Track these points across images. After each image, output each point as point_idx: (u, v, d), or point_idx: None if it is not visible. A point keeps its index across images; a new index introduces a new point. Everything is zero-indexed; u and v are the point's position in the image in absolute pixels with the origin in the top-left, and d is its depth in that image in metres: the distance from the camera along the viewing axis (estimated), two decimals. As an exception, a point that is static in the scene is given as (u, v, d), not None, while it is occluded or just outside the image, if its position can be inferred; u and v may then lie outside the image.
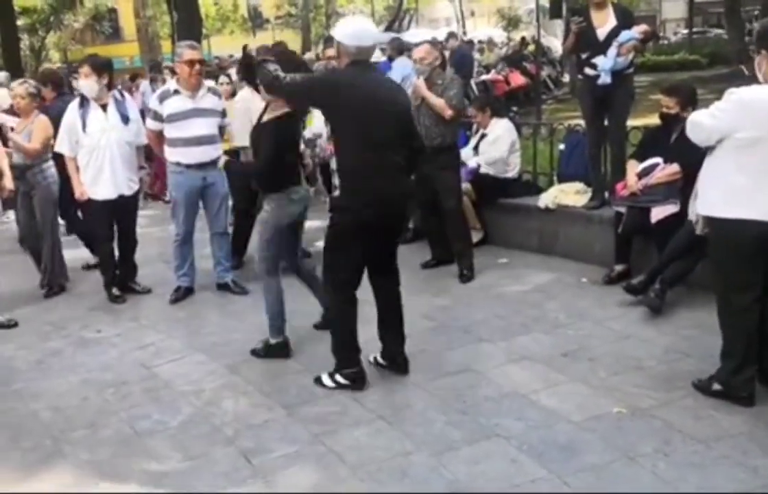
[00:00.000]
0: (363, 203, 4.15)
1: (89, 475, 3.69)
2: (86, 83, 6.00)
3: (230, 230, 6.59)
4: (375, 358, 4.58)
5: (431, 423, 3.94)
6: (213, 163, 6.02)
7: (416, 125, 4.76)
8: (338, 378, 4.35)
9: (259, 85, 4.81)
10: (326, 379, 4.38)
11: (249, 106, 6.28)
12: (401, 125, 4.28)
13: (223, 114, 6.31)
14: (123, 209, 6.25)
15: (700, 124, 3.88)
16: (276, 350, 4.89)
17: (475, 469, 3.49)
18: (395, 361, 4.52)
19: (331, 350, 4.39)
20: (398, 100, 4.39)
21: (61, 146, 6.16)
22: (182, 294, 6.19)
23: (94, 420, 4.23)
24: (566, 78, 20.68)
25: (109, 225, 6.28)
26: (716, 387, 3.94)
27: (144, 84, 12.64)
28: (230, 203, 6.55)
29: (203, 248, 6.65)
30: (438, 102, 6.08)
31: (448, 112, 6.06)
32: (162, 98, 6.03)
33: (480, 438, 3.75)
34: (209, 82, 6.51)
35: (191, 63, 5.94)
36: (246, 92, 6.47)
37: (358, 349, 4.39)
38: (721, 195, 3.80)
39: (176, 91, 6.00)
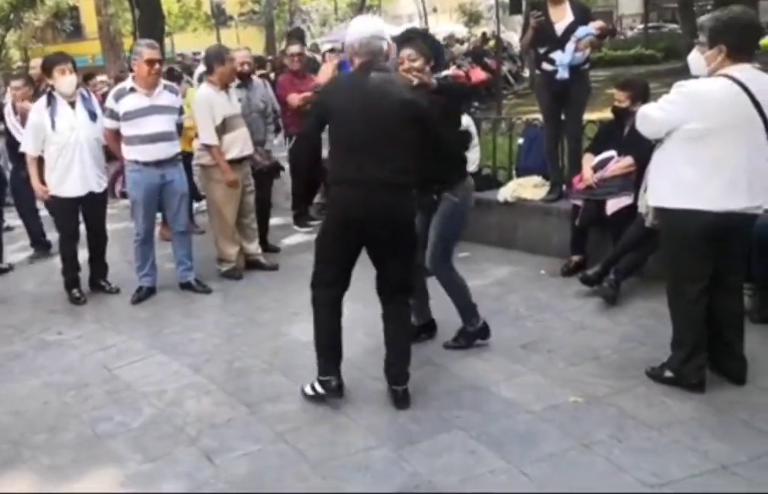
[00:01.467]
0: (336, 212, 4.05)
1: (50, 479, 3.67)
2: (69, 80, 5.96)
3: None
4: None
5: (393, 417, 3.99)
6: (171, 160, 6.04)
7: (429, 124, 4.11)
8: (315, 385, 4.17)
9: None
10: (307, 387, 4.22)
11: (211, 104, 6.30)
12: (389, 132, 3.87)
13: (180, 111, 6.31)
14: (92, 207, 6.22)
15: (649, 117, 3.97)
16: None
17: (436, 462, 3.54)
18: (394, 392, 4.13)
19: None
20: (385, 105, 3.89)
21: (25, 146, 6.15)
22: (144, 294, 6.16)
23: (55, 424, 4.20)
24: (526, 73, 20.86)
25: (76, 224, 6.25)
26: (668, 374, 4.04)
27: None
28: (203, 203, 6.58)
29: (165, 247, 6.65)
30: None
31: None
32: (118, 96, 5.99)
33: (440, 430, 3.81)
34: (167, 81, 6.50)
35: (151, 62, 5.91)
36: (204, 89, 6.46)
37: (334, 358, 4.15)
38: (670, 186, 3.89)
39: (132, 89, 5.97)
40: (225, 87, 6.37)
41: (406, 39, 4.47)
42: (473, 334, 4.74)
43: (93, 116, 6.10)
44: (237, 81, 6.82)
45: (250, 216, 6.73)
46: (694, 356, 3.95)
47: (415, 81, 4.09)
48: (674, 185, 3.86)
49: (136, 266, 6.24)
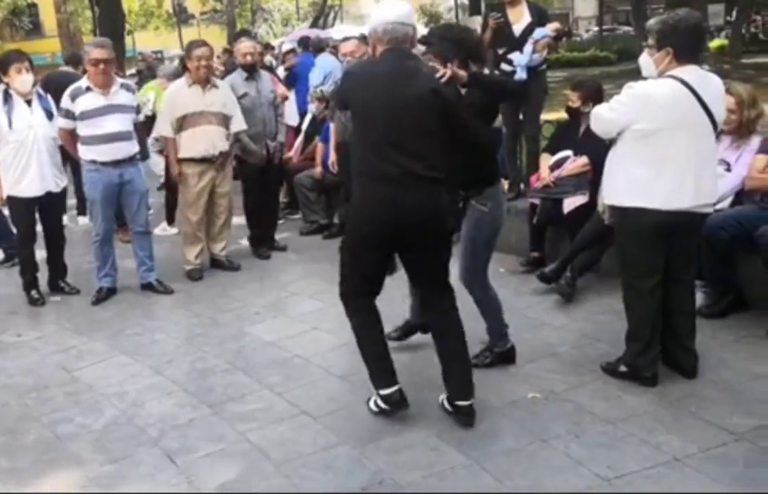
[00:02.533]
0: (361, 213, 3.75)
1: (9, 483, 3.64)
2: (27, 78, 5.88)
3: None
4: (442, 402, 3.99)
5: (355, 415, 4.02)
6: (130, 159, 6.00)
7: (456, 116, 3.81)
8: (377, 401, 3.91)
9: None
10: (371, 403, 3.97)
11: (174, 98, 6.31)
12: (411, 124, 3.61)
13: (138, 110, 6.27)
14: (50, 207, 6.15)
15: (601, 117, 4.07)
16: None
17: (397, 459, 3.58)
18: (458, 408, 3.85)
19: None
20: (406, 96, 3.61)
21: None
22: (104, 295, 6.12)
23: (15, 427, 4.17)
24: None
25: (32, 224, 6.18)
26: (622, 368, 4.14)
27: None
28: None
29: (126, 246, 6.61)
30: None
31: None
32: (74, 96, 5.90)
33: (402, 428, 3.84)
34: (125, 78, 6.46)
35: (96, 62, 5.82)
36: (177, 82, 6.51)
37: (386, 368, 3.88)
38: (623, 185, 3.98)
39: (88, 88, 5.89)
40: (200, 83, 6.32)
41: (424, 43, 4.36)
42: (502, 355, 4.47)
43: (50, 115, 6.03)
44: (245, 74, 6.78)
45: (222, 217, 6.70)
46: (648, 350, 4.05)
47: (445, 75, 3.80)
48: (626, 183, 3.95)
49: (96, 267, 6.19)
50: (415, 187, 3.61)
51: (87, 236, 6.81)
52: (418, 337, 4.72)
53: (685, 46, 3.86)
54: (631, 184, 3.92)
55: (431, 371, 4.42)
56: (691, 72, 3.83)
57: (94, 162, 5.94)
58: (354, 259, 3.84)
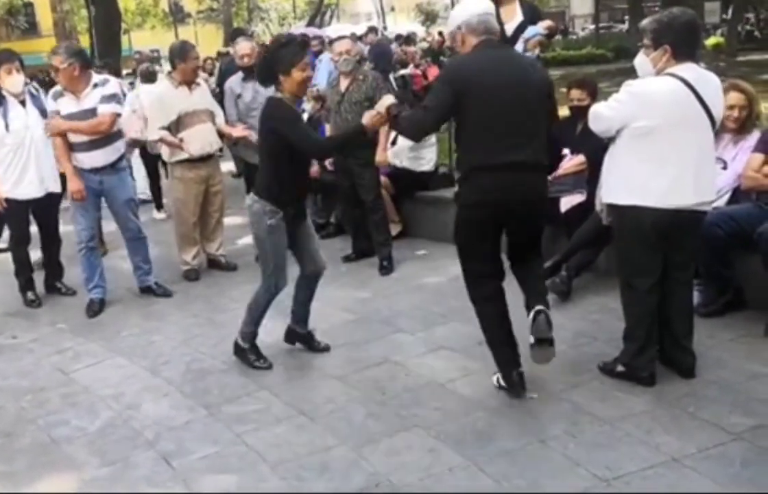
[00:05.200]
0: (482, 200, 3.85)
1: (5, 486, 3.63)
2: (17, 79, 5.83)
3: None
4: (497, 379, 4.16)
5: (352, 416, 4.01)
6: (111, 166, 5.81)
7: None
8: (499, 379, 4.11)
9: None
10: (493, 378, 4.16)
11: (162, 100, 6.30)
12: (534, 109, 3.81)
13: (116, 99, 5.82)
14: (47, 208, 6.12)
15: (600, 115, 4.04)
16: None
17: (395, 460, 3.57)
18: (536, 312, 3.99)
19: None
20: (532, 81, 3.85)
21: None
22: (98, 307, 5.90)
23: (11, 430, 4.16)
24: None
25: (28, 226, 6.14)
26: (620, 368, 4.12)
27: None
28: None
29: (123, 248, 6.56)
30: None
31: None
32: (55, 97, 5.76)
33: (399, 429, 3.84)
34: (100, 77, 5.99)
35: (54, 69, 5.69)
36: (160, 84, 6.46)
37: (509, 353, 4.04)
38: (621, 183, 3.97)
39: (64, 92, 5.71)
40: (187, 84, 6.30)
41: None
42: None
43: (44, 114, 5.97)
44: (242, 75, 6.76)
45: (215, 216, 6.69)
46: (645, 350, 4.04)
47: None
48: (624, 181, 3.94)
49: (84, 278, 5.97)
50: (535, 175, 3.88)
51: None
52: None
53: (682, 43, 3.85)
54: (629, 182, 3.90)
55: (428, 371, 4.44)
56: (689, 70, 3.82)
57: (75, 167, 5.75)
58: (476, 250, 4.02)
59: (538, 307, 3.97)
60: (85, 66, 5.76)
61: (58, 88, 5.87)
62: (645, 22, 4.09)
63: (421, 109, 4.08)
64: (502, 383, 4.07)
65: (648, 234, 3.92)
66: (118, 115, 5.85)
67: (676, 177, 3.82)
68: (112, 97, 5.76)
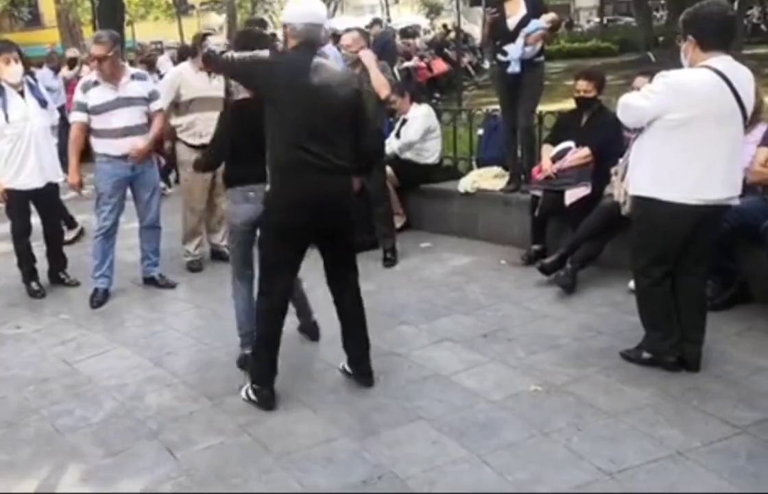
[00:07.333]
0: (286, 203, 3.89)
1: (8, 476, 3.63)
2: (16, 69, 5.81)
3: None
4: (343, 366, 4.32)
5: (355, 408, 4.00)
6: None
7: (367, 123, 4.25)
8: (249, 392, 4.09)
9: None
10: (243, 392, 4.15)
11: (177, 79, 6.36)
12: (343, 118, 3.91)
13: (152, 98, 5.99)
14: (48, 199, 6.11)
15: (632, 106, 3.99)
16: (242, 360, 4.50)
17: (398, 452, 3.57)
18: (359, 371, 4.21)
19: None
20: (343, 91, 3.94)
21: None
22: (101, 297, 5.87)
23: (14, 420, 4.15)
24: (486, 64, 20.97)
25: (28, 217, 6.13)
26: (645, 355, 4.12)
27: (42, 72, 12.09)
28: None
29: (128, 239, 6.56)
30: (380, 78, 5.97)
31: (385, 92, 5.99)
32: (85, 89, 5.79)
33: (403, 420, 3.83)
34: (134, 69, 6.22)
35: (94, 59, 5.74)
36: (181, 65, 6.52)
37: (269, 370, 4.08)
38: (649, 176, 3.93)
39: (96, 82, 5.76)
40: (207, 71, 6.23)
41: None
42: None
43: (43, 103, 5.96)
44: None
45: (222, 205, 6.67)
46: (669, 335, 4.04)
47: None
48: (653, 174, 3.91)
49: (93, 264, 5.92)
50: (333, 178, 3.91)
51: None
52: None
53: (708, 33, 3.81)
54: (659, 174, 3.87)
55: (431, 363, 4.44)
56: (723, 61, 3.79)
57: (106, 155, 5.80)
58: (275, 253, 4.03)
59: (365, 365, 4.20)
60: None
61: (88, 78, 5.88)
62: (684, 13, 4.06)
63: (240, 57, 4.00)
64: (251, 395, 4.08)
65: (671, 226, 3.89)
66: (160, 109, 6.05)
67: (706, 170, 3.79)
68: (156, 93, 6.00)
